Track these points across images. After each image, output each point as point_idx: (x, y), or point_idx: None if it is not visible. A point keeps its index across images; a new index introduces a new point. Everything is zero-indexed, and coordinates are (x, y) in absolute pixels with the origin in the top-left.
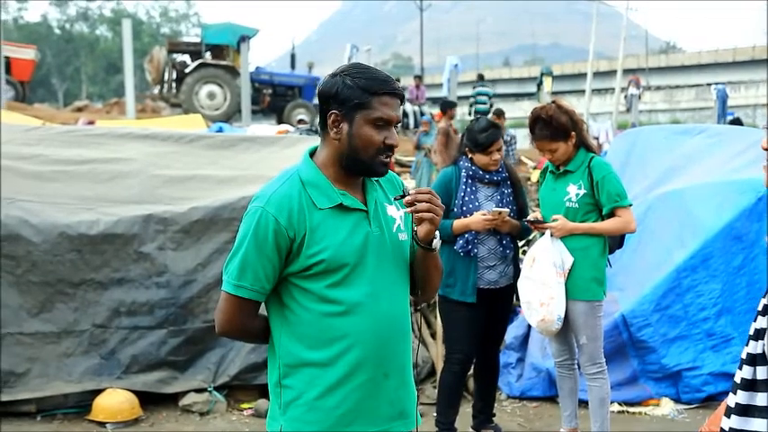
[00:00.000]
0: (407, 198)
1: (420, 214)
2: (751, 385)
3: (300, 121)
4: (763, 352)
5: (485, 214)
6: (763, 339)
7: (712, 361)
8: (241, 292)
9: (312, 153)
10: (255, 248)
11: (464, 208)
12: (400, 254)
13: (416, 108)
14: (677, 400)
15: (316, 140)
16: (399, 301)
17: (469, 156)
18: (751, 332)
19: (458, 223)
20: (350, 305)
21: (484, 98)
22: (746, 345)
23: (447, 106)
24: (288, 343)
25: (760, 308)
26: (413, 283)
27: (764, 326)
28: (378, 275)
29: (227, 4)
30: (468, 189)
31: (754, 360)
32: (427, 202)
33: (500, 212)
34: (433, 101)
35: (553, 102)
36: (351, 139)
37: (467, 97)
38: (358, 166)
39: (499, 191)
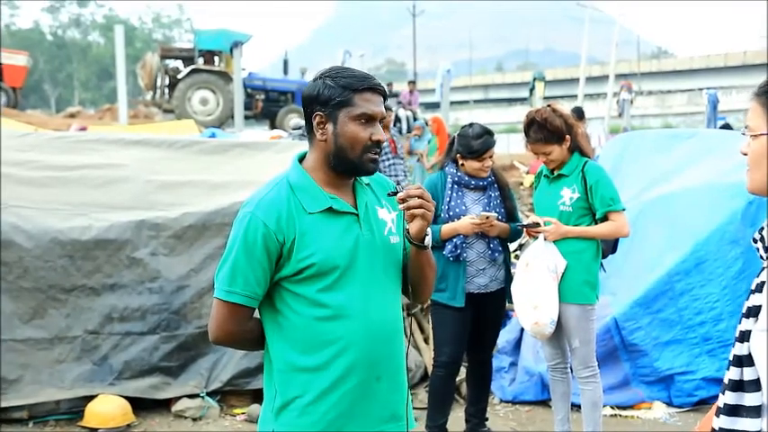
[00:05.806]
0: (400, 195)
1: (412, 211)
2: (738, 386)
3: (297, 128)
4: (749, 353)
5: (473, 218)
6: (748, 341)
7: (707, 366)
8: (232, 298)
9: (301, 159)
10: (245, 254)
11: (451, 213)
12: (392, 257)
13: (409, 113)
14: (669, 404)
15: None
16: (391, 303)
17: (460, 162)
18: (737, 334)
19: (446, 228)
20: (341, 309)
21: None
22: (733, 347)
23: (581, 114)
24: (281, 349)
25: (744, 310)
26: (406, 286)
27: (749, 328)
28: (369, 278)
29: (219, 10)
30: (455, 194)
31: (740, 361)
32: (419, 198)
33: (487, 217)
34: (426, 106)
35: (548, 105)
36: (336, 138)
37: (459, 102)
38: (346, 166)
39: (486, 194)
